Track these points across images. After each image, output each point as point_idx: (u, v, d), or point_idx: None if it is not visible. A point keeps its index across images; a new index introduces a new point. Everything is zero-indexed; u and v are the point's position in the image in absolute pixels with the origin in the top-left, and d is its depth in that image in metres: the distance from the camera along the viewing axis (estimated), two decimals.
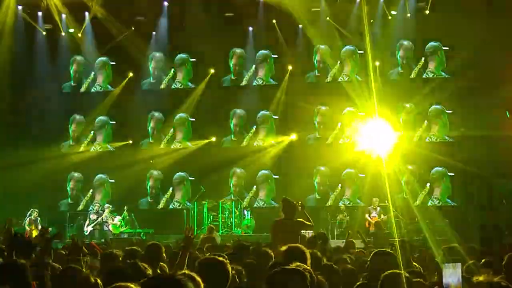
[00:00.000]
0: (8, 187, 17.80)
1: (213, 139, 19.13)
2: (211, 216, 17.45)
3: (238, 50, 19.54)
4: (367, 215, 16.32)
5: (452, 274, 4.03)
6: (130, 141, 19.52)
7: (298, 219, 7.95)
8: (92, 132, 19.89)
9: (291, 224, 7.80)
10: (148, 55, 19.74)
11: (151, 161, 19.24)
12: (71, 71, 20.13)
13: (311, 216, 8.44)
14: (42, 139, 18.84)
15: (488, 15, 16.79)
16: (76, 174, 19.60)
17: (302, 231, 8.52)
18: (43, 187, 18.34)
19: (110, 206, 17.74)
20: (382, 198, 16.95)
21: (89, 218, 17.22)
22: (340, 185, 18.44)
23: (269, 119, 19.16)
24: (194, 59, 19.55)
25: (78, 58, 20.06)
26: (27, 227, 16.17)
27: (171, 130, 19.57)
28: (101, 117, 19.82)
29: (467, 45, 17.27)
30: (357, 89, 18.40)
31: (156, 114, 19.63)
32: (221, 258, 3.90)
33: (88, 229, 16.96)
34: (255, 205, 18.69)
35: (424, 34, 18.36)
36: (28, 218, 16.56)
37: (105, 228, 17.09)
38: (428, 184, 18.04)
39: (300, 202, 8.37)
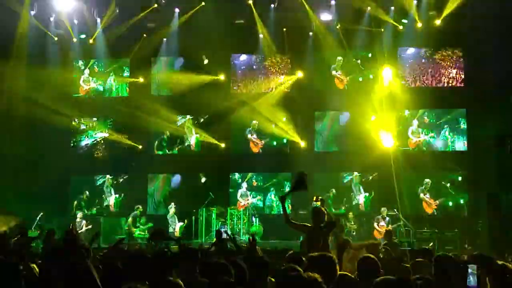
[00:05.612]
0: (21, 188, 17.90)
1: (223, 145, 19.23)
2: (219, 223, 17.43)
3: (251, 57, 19.63)
4: (375, 224, 16.23)
5: None
6: (140, 146, 19.60)
7: (327, 224, 8.01)
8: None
9: (321, 231, 7.89)
10: (159, 61, 19.87)
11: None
12: (82, 76, 20.27)
13: None
14: (52, 142, 18.90)
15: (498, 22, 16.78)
16: (88, 177, 19.70)
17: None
18: (55, 190, 18.40)
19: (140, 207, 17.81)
20: (391, 207, 16.93)
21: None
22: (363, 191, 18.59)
23: (283, 125, 19.18)
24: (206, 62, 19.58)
25: (90, 63, 20.21)
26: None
27: (181, 133, 19.69)
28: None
29: (479, 52, 17.35)
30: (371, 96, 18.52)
31: (167, 117, 19.66)
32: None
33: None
34: (266, 210, 18.73)
35: (435, 42, 18.35)
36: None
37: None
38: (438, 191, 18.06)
39: (320, 197, 8.51)
